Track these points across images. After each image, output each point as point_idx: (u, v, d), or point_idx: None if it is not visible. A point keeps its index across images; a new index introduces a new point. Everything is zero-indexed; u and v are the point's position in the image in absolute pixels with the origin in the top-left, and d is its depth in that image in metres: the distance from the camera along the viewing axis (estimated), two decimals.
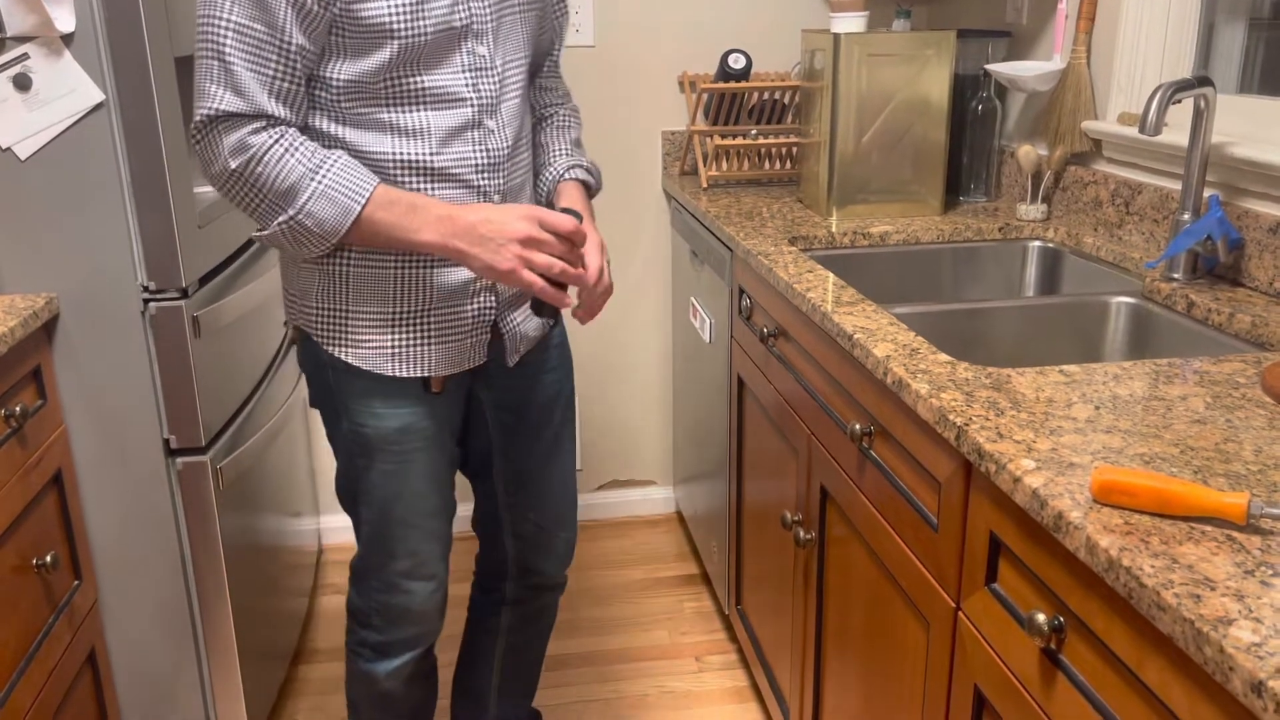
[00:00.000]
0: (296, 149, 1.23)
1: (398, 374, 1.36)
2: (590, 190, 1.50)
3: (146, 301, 1.63)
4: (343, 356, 1.37)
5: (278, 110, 1.23)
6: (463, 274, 1.36)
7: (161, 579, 1.76)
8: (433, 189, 1.32)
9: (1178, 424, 1.06)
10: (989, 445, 1.02)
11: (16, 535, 1.49)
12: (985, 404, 1.12)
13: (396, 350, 1.36)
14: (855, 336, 1.36)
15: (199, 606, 1.79)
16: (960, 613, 1.13)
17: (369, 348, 1.36)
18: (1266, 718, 0.67)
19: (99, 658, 1.74)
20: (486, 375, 1.49)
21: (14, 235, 1.57)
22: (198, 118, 1.22)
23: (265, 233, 1.26)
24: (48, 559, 1.54)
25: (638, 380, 2.80)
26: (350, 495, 1.48)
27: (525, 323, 1.47)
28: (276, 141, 1.22)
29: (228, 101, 1.20)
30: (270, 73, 1.22)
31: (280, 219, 1.24)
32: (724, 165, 2.47)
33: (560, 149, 1.52)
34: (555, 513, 1.63)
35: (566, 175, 1.48)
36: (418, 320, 1.36)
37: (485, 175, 1.34)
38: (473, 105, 1.31)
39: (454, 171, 1.32)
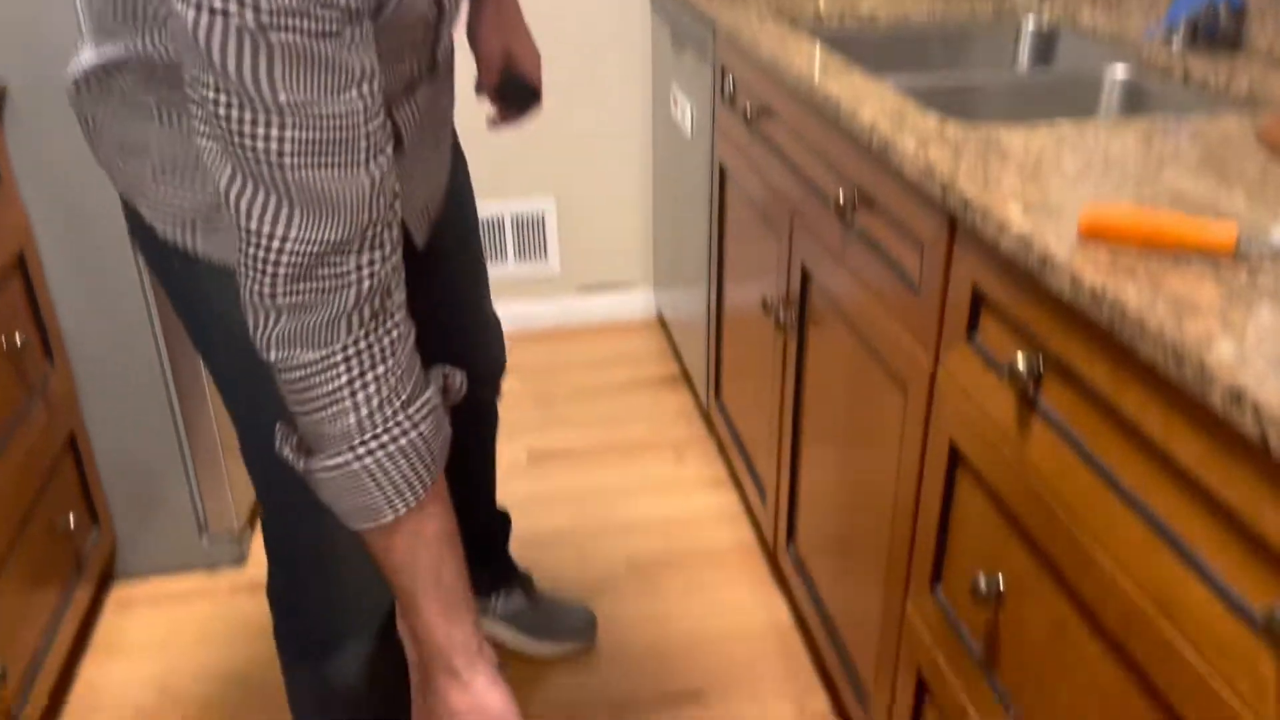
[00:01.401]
0: (369, 380, 0.80)
1: None
2: None
3: None
4: (185, 245, 0.94)
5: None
6: None
7: (136, 366, 1.75)
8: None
9: (1169, 173, 1.03)
10: (976, 196, 0.99)
11: None
12: (974, 158, 1.08)
13: None
14: (841, 101, 1.31)
15: (177, 395, 1.79)
16: (938, 371, 1.13)
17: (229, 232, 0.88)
18: (1245, 426, 0.66)
19: (80, 445, 1.75)
20: None
21: None
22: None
23: (282, 455, 0.87)
24: (18, 341, 1.51)
25: (616, 182, 2.74)
26: (257, 426, 0.99)
27: (435, 199, 1.15)
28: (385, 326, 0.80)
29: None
30: None
31: (304, 461, 0.84)
32: None
33: None
34: (479, 318, 1.47)
35: None
36: None
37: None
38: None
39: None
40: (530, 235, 2.74)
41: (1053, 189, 1.00)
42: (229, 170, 0.72)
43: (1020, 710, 1.02)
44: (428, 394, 0.84)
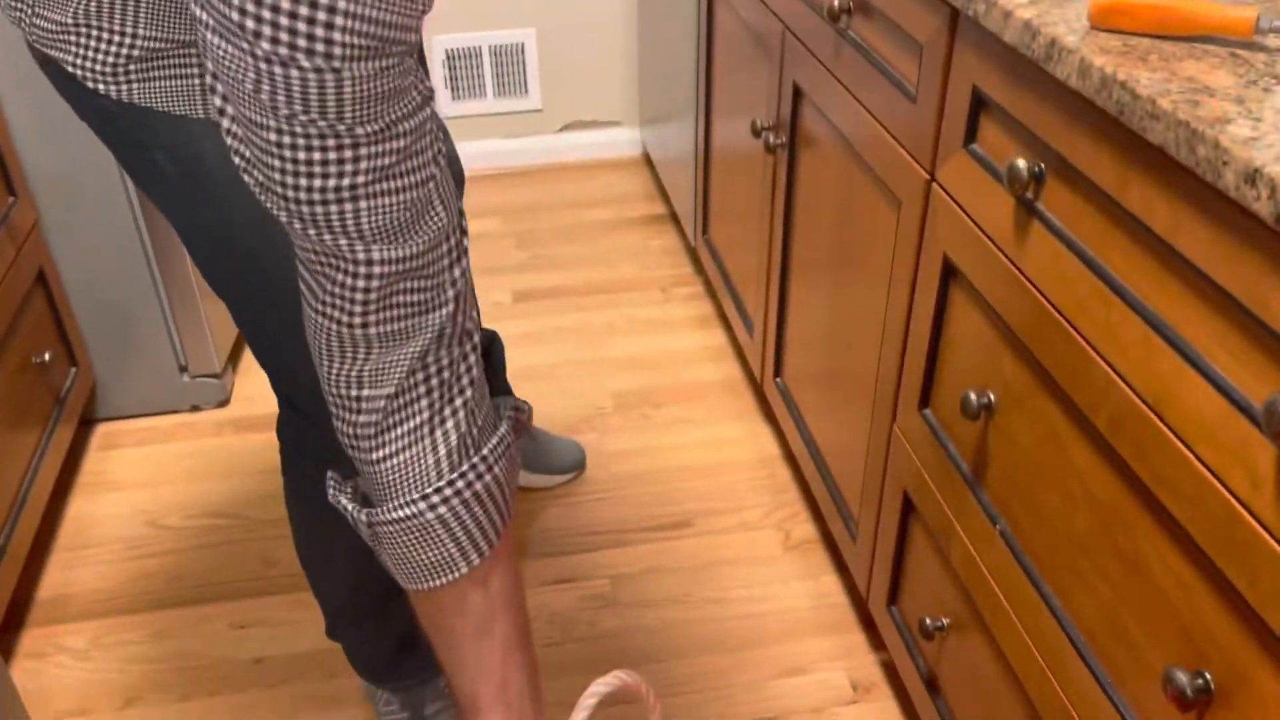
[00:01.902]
0: (448, 415, 0.72)
1: (201, 114, 0.86)
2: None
3: None
4: (115, 95, 0.84)
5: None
6: None
7: (103, 201, 1.69)
8: None
9: None
10: None
11: None
12: None
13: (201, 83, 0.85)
14: None
15: (148, 231, 1.73)
16: (934, 183, 1.09)
17: (168, 79, 0.84)
18: (1258, 206, 0.63)
19: (51, 281, 1.70)
20: None
21: None
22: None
23: (342, 506, 0.77)
24: None
25: (599, 11, 2.62)
26: (214, 258, 0.94)
27: None
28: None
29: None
30: None
31: (363, 514, 0.74)
32: None
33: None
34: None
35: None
36: None
37: None
38: None
39: None
40: (510, 68, 2.63)
41: None
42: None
43: (1008, 521, 1.02)
44: (501, 429, 0.74)
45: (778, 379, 1.75)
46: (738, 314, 1.95)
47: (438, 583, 0.74)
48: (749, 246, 1.82)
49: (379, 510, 0.72)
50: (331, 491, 0.78)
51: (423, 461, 0.70)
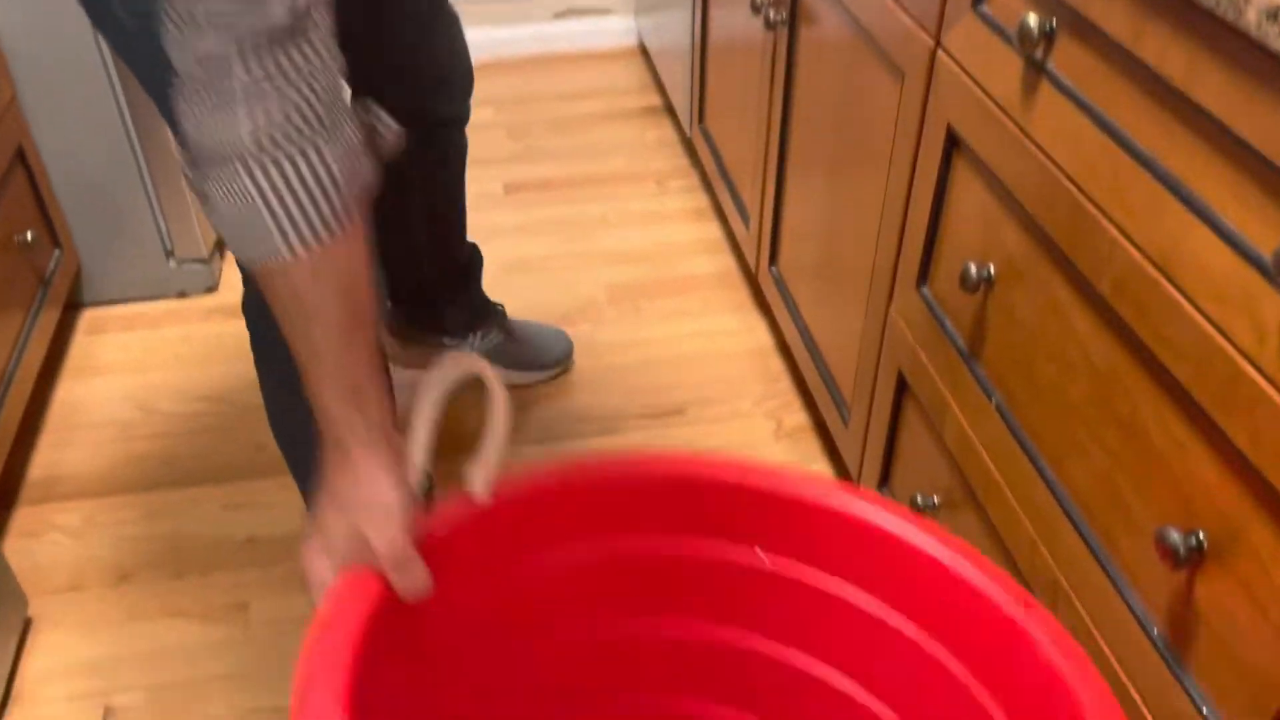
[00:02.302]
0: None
1: None
2: None
3: None
4: None
5: None
6: None
7: (82, 76, 1.64)
8: None
9: None
10: None
11: None
12: None
13: None
14: None
15: (129, 112, 1.69)
16: (940, 50, 1.06)
17: None
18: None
19: (30, 159, 1.66)
20: None
21: None
22: None
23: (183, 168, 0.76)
24: None
25: None
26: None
27: None
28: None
29: None
30: None
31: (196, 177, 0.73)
32: None
33: None
34: (440, 23, 1.35)
35: None
36: None
37: None
38: None
39: None
40: None
41: None
42: None
43: (1003, 395, 1.02)
44: (347, 131, 0.73)
45: (773, 269, 1.73)
46: (733, 205, 1.92)
47: (257, 254, 0.73)
48: (746, 135, 1.79)
49: (201, 168, 0.71)
50: (177, 150, 0.77)
51: (237, 129, 0.68)
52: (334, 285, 0.74)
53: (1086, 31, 0.83)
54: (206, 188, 0.72)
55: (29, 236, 1.60)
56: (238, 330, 1.83)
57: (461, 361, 0.79)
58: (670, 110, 2.49)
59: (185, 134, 0.70)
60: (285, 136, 0.70)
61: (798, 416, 1.68)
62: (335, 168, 0.72)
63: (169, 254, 1.86)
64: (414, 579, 0.75)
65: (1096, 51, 0.82)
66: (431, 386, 0.79)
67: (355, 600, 0.71)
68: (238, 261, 1.05)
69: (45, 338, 1.66)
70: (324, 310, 0.74)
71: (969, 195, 1.04)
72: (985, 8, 0.97)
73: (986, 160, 0.99)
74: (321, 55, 0.70)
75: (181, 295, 1.91)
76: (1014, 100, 0.93)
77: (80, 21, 1.58)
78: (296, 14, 0.67)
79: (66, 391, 1.72)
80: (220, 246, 1.99)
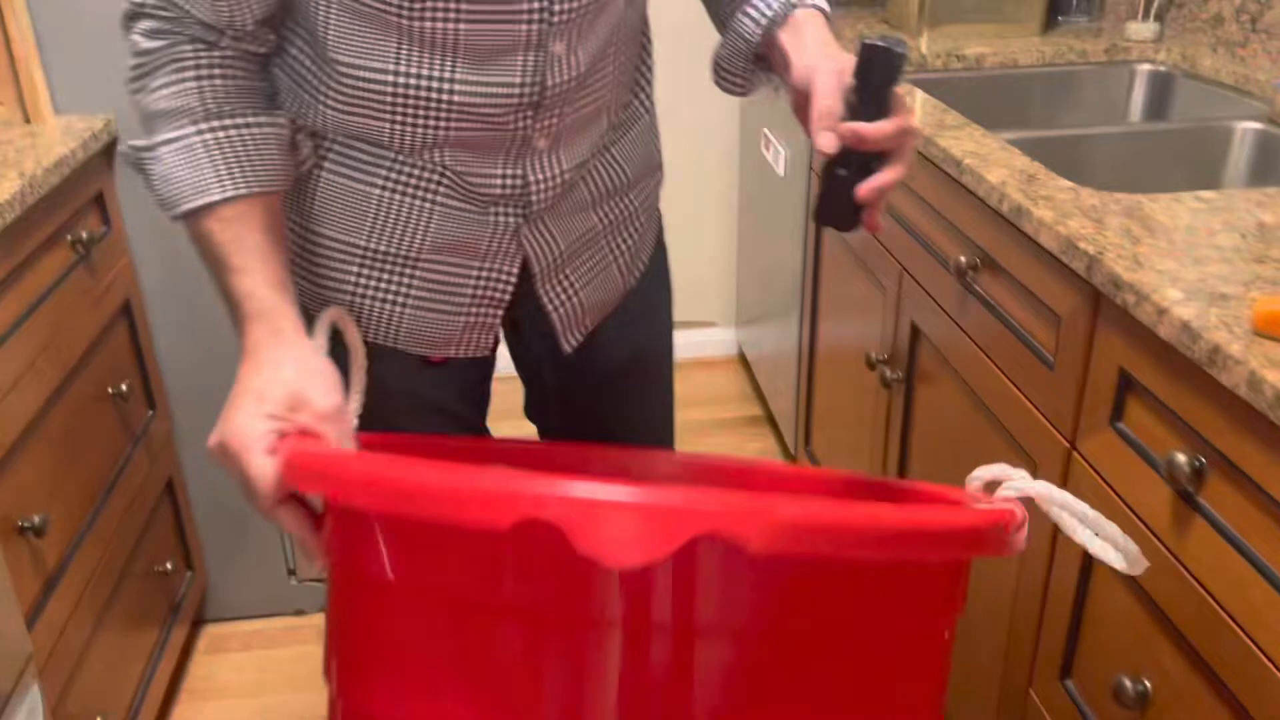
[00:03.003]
0: (207, 74, 0.83)
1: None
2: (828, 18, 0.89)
3: None
4: (299, 289, 0.93)
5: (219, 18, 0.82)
6: (477, 217, 0.92)
7: None
8: (445, 127, 0.86)
9: None
10: (1127, 275, 0.94)
11: (92, 364, 1.47)
12: (1118, 232, 1.03)
13: (359, 298, 0.94)
14: (965, 162, 1.26)
15: None
16: (1075, 453, 1.08)
17: (328, 286, 0.95)
18: None
19: (177, 489, 1.75)
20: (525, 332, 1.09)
21: (65, 51, 1.49)
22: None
23: (120, 151, 0.95)
24: (123, 388, 1.52)
25: (699, 220, 2.71)
26: None
27: (592, 289, 1.03)
28: (196, 56, 0.83)
29: None
30: None
31: (135, 141, 0.85)
32: None
33: None
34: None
35: (794, 3, 0.87)
36: (397, 267, 0.93)
37: (529, 115, 0.87)
38: (535, 20, 0.82)
39: (482, 109, 0.85)
40: None
41: (1212, 270, 0.94)
42: None
43: None
44: (277, 118, 0.86)
45: None
46: None
47: (197, 202, 0.82)
48: (858, 467, 1.81)
49: (158, 134, 0.83)
50: (126, 149, 0.88)
51: (188, 98, 0.82)
52: (263, 222, 0.84)
53: (1239, 477, 0.84)
54: (159, 150, 0.83)
55: (168, 566, 1.66)
56: None
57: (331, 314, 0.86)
58: (772, 420, 2.55)
59: (140, 103, 0.84)
60: (229, 112, 0.84)
61: None
62: (265, 146, 0.85)
63: (290, 572, 1.91)
64: (346, 432, 0.78)
65: (1253, 500, 0.83)
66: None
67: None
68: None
69: (173, 661, 1.69)
70: (247, 236, 0.83)
71: (1114, 599, 1.03)
72: (1124, 426, 1.00)
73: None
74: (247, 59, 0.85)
75: (299, 613, 1.94)
76: (1164, 524, 0.93)
77: (233, 362, 1.71)
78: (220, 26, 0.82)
79: (185, 715, 1.73)
80: None
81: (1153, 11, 1.86)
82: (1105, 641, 1.06)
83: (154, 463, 1.65)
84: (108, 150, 1.55)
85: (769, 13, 0.87)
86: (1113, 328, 1.00)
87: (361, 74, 0.83)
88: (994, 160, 1.26)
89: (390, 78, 0.83)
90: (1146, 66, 1.82)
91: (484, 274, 0.95)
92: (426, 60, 0.82)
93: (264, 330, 0.81)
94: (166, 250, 1.63)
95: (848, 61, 0.77)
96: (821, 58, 0.80)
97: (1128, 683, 0.98)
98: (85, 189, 1.48)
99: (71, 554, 1.36)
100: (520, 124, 0.87)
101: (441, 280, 0.94)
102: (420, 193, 0.90)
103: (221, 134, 0.83)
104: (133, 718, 1.52)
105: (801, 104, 0.81)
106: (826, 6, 0.89)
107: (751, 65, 0.91)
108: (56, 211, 1.38)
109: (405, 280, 0.94)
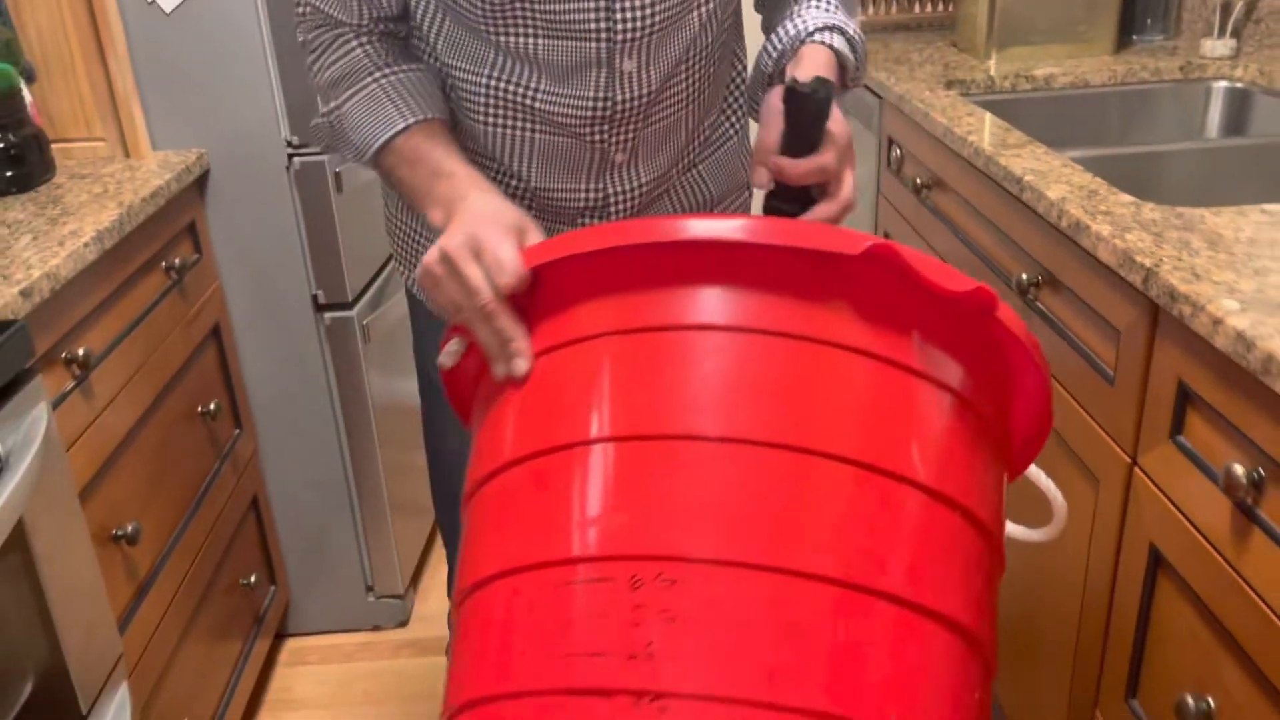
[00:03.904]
0: (365, 42, 0.96)
1: None
2: (845, 68, 0.93)
3: (290, 156, 1.64)
4: (408, 283, 1.10)
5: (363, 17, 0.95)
6: (565, 211, 1.02)
7: (315, 432, 1.82)
8: (530, 129, 0.97)
9: None
10: (1184, 287, 0.93)
11: (183, 383, 1.55)
12: (1177, 245, 1.02)
13: None
14: (1025, 179, 1.26)
15: (350, 458, 1.85)
16: (1137, 468, 1.07)
17: None
18: None
19: (261, 506, 1.83)
20: None
21: (162, 91, 1.59)
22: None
23: (314, 123, 1.01)
24: (211, 407, 1.60)
25: None
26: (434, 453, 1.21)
27: None
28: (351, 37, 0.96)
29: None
30: None
31: (326, 109, 0.97)
32: (870, 9, 2.32)
33: None
34: None
35: (814, 37, 0.92)
36: None
37: (604, 129, 0.95)
38: (603, 39, 0.90)
39: (562, 117, 0.94)
40: None
41: (1271, 281, 0.93)
42: None
43: None
44: (431, 69, 0.97)
45: None
46: None
47: (385, 135, 0.91)
48: None
49: (341, 96, 0.94)
50: (317, 127, 1.00)
51: (359, 62, 0.94)
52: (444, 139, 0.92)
53: None
54: (345, 107, 0.94)
55: (253, 579, 1.73)
56: (424, 667, 1.89)
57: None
58: None
59: (319, 83, 0.97)
60: (393, 61, 0.95)
61: None
62: (432, 87, 0.95)
63: (369, 589, 1.97)
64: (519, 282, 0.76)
65: None
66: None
67: None
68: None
69: (255, 672, 1.75)
70: (429, 150, 0.91)
71: (1178, 615, 1.02)
72: (1184, 439, 0.99)
73: (1196, 589, 0.97)
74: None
75: (375, 629, 2.00)
76: (1224, 537, 0.92)
77: (319, 383, 1.78)
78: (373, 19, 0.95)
79: None
80: (415, 581, 2.10)
81: (1229, 28, 1.84)
82: (1170, 660, 1.04)
83: (240, 480, 1.73)
84: (199, 182, 1.64)
85: (780, 45, 0.93)
86: (1170, 340, 0.99)
87: (463, 74, 0.95)
88: (1054, 177, 1.25)
89: (485, 80, 0.94)
90: (1223, 83, 1.80)
91: None
92: (515, 69, 0.93)
93: (475, 187, 0.87)
94: (253, 279, 1.71)
95: None
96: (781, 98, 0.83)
97: (1190, 701, 0.96)
98: (179, 218, 1.56)
99: (162, 563, 1.43)
100: (597, 136, 0.96)
101: None
102: (519, 187, 1.01)
103: (394, 78, 0.93)
104: None
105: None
106: (842, 42, 0.92)
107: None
108: (152, 240, 1.47)
109: None
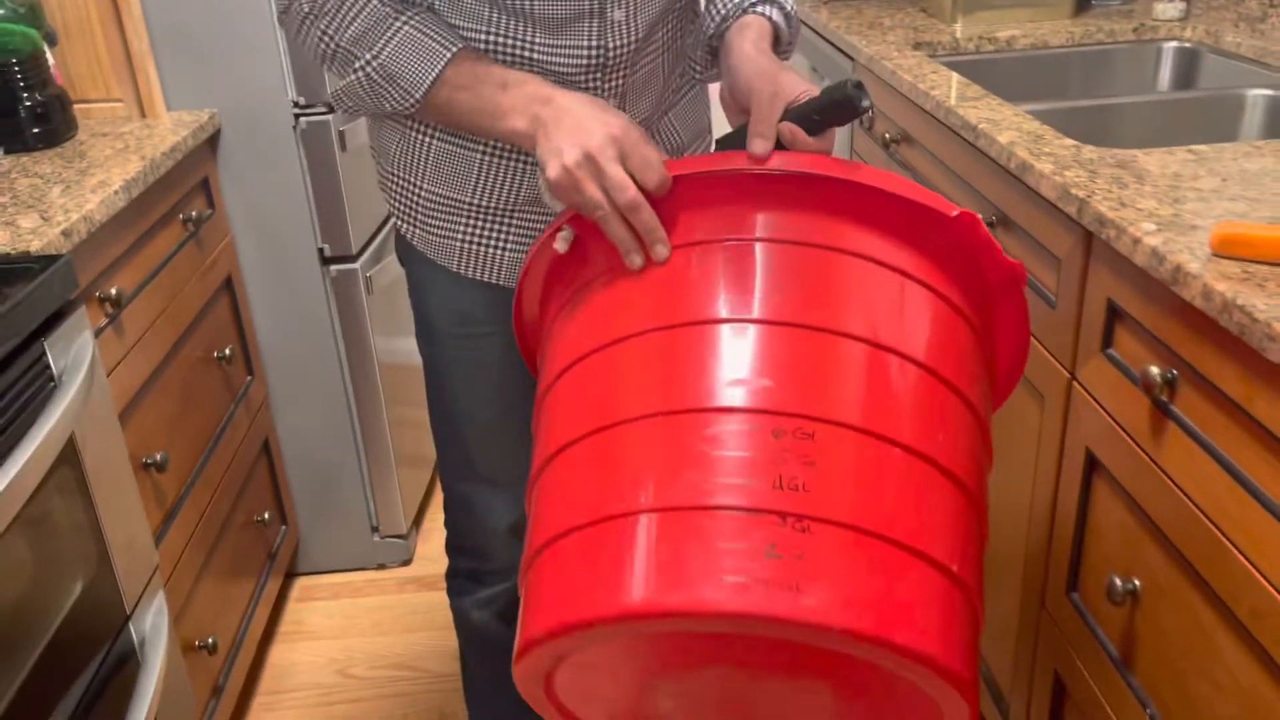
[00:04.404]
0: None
1: (464, 273, 1.13)
2: (780, 39, 1.05)
3: (297, 116, 1.74)
4: (408, 235, 1.15)
5: None
6: None
7: (323, 379, 1.93)
8: None
9: None
10: (1111, 213, 1.05)
11: (200, 329, 1.66)
12: (1109, 180, 1.14)
13: (467, 245, 1.11)
14: (980, 127, 1.38)
15: (356, 405, 1.96)
16: (1075, 382, 1.19)
17: (437, 234, 1.12)
18: None
19: (272, 449, 1.94)
20: None
21: (175, 54, 1.69)
22: None
23: (342, 83, 1.01)
24: (226, 352, 1.71)
25: None
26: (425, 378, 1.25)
27: None
28: None
29: None
30: None
31: (357, 65, 0.98)
32: None
33: None
34: None
35: (748, 7, 1.04)
36: (498, 218, 1.10)
37: (598, 76, 1.03)
38: None
39: (558, 68, 1.02)
40: None
41: (1187, 208, 1.05)
42: None
43: (1158, 707, 1.06)
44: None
45: None
46: None
47: (437, 67, 0.96)
48: None
49: (375, 46, 0.97)
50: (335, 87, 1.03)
51: (381, 14, 0.96)
52: (485, 63, 0.98)
53: (1204, 385, 0.95)
54: (385, 50, 0.97)
55: (265, 516, 1.85)
56: (427, 601, 2.01)
57: None
58: None
59: (334, 47, 0.99)
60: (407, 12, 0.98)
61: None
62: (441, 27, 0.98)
63: (374, 529, 2.08)
64: (654, 165, 0.87)
65: (1215, 402, 0.93)
66: None
67: None
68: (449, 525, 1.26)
69: (269, 605, 1.87)
70: (482, 71, 0.97)
71: (1110, 511, 1.14)
72: (1114, 351, 1.11)
73: (1124, 484, 1.09)
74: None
75: (381, 567, 2.11)
76: (1145, 435, 1.04)
77: (325, 331, 1.89)
78: None
79: (279, 655, 1.91)
80: (417, 522, 2.21)
81: None
82: (1104, 553, 1.16)
83: (252, 423, 1.84)
84: (211, 140, 1.74)
85: (722, 11, 1.05)
86: (1102, 263, 1.11)
87: (461, 33, 1.00)
88: (1006, 124, 1.37)
89: (484, 37, 1.00)
90: (1173, 44, 1.91)
91: None
92: (512, 25, 0.99)
93: (553, 88, 0.95)
94: (262, 232, 1.81)
95: (785, 84, 0.91)
96: (758, 77, 0.93)
97: (1118, 582, 1.08)
98: (193, 174, 1.67)
99: (186, 492, 1.54)
100: (591, 84, 1.04)
101: (534, 227, 1.11)
102: (514, 156, 1.07)
103: (418, 19, 0.97)
104: (236, 649, 1.70)
105: (730, 102, 0.98)
106: (779, 15, 1.04)
107: (708, 56, 1.08)
108: (170, 193, 1.58)
109: (504, 229, 1.11)
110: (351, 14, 0.97)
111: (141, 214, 1.47)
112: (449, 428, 1.22)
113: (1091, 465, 1.17)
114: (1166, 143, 1.48)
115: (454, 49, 0.97)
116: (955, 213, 0.84)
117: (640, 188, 0.86)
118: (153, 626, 1.23)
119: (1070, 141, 1.28)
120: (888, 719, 0.86)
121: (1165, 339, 1.00)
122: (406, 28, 0.97)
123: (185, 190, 1.63)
